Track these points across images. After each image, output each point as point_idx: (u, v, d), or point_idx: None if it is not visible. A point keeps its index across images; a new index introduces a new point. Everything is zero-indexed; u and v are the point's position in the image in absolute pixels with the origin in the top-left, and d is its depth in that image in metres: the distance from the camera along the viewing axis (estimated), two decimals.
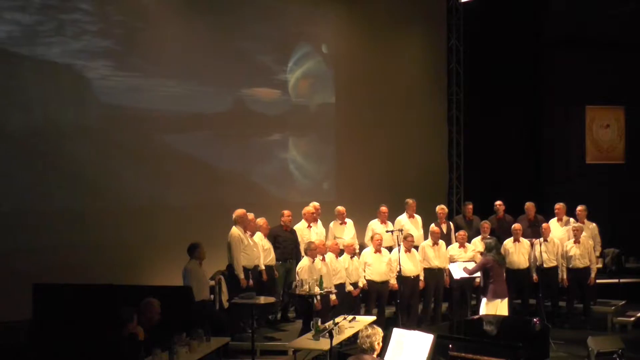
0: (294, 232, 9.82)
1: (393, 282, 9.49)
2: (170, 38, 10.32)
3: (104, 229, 9.58)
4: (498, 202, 10.90)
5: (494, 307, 8.59)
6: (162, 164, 10.21)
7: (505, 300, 8.70)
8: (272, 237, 9.52)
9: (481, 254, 9.34)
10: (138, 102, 10.04)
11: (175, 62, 10.36)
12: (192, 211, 10.25)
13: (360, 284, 9.33)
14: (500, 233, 10.35)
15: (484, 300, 8.75)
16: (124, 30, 10.00)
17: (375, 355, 5.05)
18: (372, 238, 9.66)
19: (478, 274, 9.19)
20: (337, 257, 9.19)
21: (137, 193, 9.98)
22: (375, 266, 9.41)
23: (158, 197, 10.16)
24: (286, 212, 9.74)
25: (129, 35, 10.03)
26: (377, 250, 9.46)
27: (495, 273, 8.70)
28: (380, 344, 5.11)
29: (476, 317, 8.56)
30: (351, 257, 9.32)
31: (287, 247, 9.62)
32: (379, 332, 5.09)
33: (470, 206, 10.97)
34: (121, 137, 9.86)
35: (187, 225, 10.06)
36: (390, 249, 9.98)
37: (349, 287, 9.19)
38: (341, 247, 9.53)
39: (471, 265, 9.47)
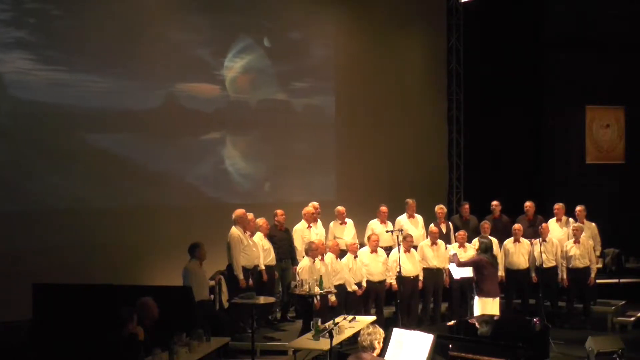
0: (288, 232, 9.81)
1: (390, 281, 9.50)
2: (95, 28, 9.57)
3: (104, 229, 9.57)
4: (494, 202, 10.89)
5: (485, 305, 8.59)
6: (86, 164, 9.54)
7: (497, 299, 8.71)
8: (268, 237, 9.50)
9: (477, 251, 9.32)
10: (60, 99, 9.30)
11: (100, 55, 9.60)
12: (116, 213, 9.69)
13: (363, 284, 9.33)
14: (497, 233, 10.34)
15: (475, 298, 8.77)
16: (40, 20, 9.21)
17: (375, 355, 5.05)
18: (368, 238, 9.65)
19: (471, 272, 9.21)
20: (337, 257, 9.19)
21: (57, 194, 9.31)
22: (372, 266, 9.41)
23: (80, 200, 9.46)
24: (279, 211, 9.73)
25: (45, 24, 9.25)
26: (374, 251, 9.46)
27: (489, 273, 8.71)
28: (381, 343, 5.11)
29: (476, 317, 8.56)
30: (354, 257, 9.32)
31: (282, 246, 9.62)
32: (379, 331, 5.10)
33: (467, 206, 10.97)
34: (40, 135, 9.19)
35: (188, 225, 10.06)
36: (390, 249, 9.99)
37: (354, 287, 9.19)
38: (342, 247, 9.53)
39: (463, 259, 9.51)
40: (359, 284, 9.25)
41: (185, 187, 10.44)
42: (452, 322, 8.13)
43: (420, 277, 9.72)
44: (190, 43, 10.52)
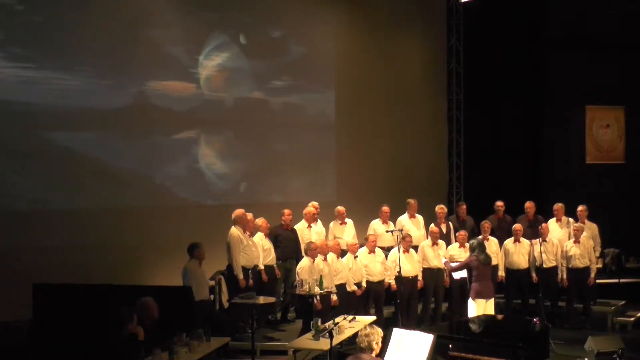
0: (294, 232, 9.80)
1: (389, 281, 9.49)
2: (62, 23, 9.24)
3: (104, 229, 9.57)
4: (499, 203, 10.88)
5: (478, 307, 8.57)
6: (49, 163, 9.20)
7: (492, 300, 8.69)
8: (272, 236, 9.51)
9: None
10: (26, 97, 9.01)
11: (68, 52, 9.30)
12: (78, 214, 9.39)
13: (363, 284, 9.33)
14: (500, 233, 10.36)
15: (469, 300, 8.76)
16: (4, 15, 8.93)
17: (373, 355, 5.05)
18: (366, 238, 9.65)
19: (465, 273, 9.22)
20: (338, 257, 9.19)
21: (18, 195, 9.04)
22: (370, 266, 9.40)
23: (43, 200, 9.16)
24: (286, 211, 9.72)
25: (9, 20, 8.98)
26: (372, 251, 9.45)
27: (479, 273, 8.69)
28: (379, 344, 5.11)
29: (475, 317, 8.56)
30: (354, 257, 9.32)
31: (287, 246, 9.61)
32: (378, 332, 5.10)
33: (464, 206, 10.97)
34: (3, 134, 8.90)
35: (188, 225, 10.06)
36: (390, 249, 9.99)
37: (353, 287, 9.18)
38: (343, 247, 9.53)
39: (455, 264, 9.53)
40: (358, 284, 9.25)
41: (155, 187, 10.11)
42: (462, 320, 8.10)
43: (420, 277, 9.71)
44: (163, 40, 10.18)
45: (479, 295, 8.62)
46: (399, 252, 9.43)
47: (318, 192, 11.51)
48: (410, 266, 9.61)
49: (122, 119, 9.80)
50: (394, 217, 10.55)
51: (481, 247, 8.89)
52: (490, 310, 8.63)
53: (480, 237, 9.54)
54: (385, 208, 10.35)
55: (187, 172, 10.47)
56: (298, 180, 11.55)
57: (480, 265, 8.70)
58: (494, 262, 9.53)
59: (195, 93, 10.51)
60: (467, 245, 9.36)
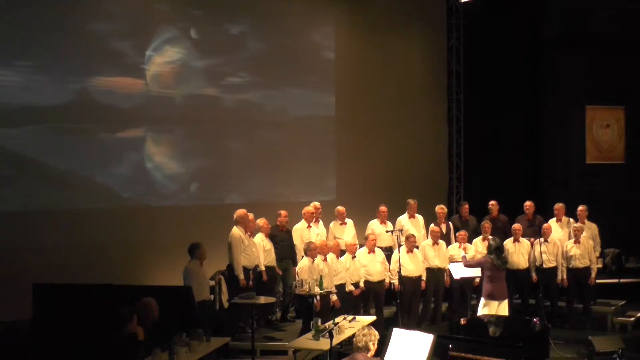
0: (289, 233, 9.81)
1: (388, 281, 9.49)
2: (2, 18, 8.85)
3: (104, 229, 9.57)
4: (492, 202, 10.87)
5: (490, 308, 8.56)
6: None
7: (505, 302, 8.62)
8: (269, 237, 9.50)
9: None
10: None
11: (5, 46, 8.92)
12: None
13: (361, 284, 9.32)
14: (494, 232, 10.32)
15: (482, 300, 8.75)
16: None
17: (369, 355, 5.06)
18: (366, 238, 9.65)
19: (479, 272, 9.17)
20: (338, 257, 9.19)
21: None
22: (370, 266, 9.39)
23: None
24: (283, 212, 9.71)
25: None
26: (371, 251, 9.45)
27: (492, 274, 8.65)
28: (376, 345, 5.12)
29: (475, 317, 8.56)
30: (352, 257, 9.31)
31: (283, 247, 9.61)
32: (374, 333, 5.12)
33: (467, 206, 10.96)
34: None
35: (188, 225, 10.06)
36: (389, 249, 9.99)
37: (350, 287, 9.19)
38: (343, 247, 9.53)
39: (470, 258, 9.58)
40: (356, 284, 9.25)
41: (97, 187, 9.71)
42: (464, 320, 8.09)
43: (423, 277, 9.70)
44: (109, 33, 9.71)
45: (490, 296, 8.57)
46: (399, 252, 9.44)
47: (318, 192, 11.53)
48: (414, 266, 9.60)
49: (64, 116, 9.34)
50: (394, 217, 10.55)
51: (498, 250, 8.72)
52: (503, 312, 8.54)
53: (498, 240, 9.07)
54: (383, 208, 10.34)
55: (132, 171, 9.99)
56: (257, 180, 11.16)
57: (492, 267, 8.66)
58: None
59: (141, 89, 10.01)
60: (487, 244, 9.27)
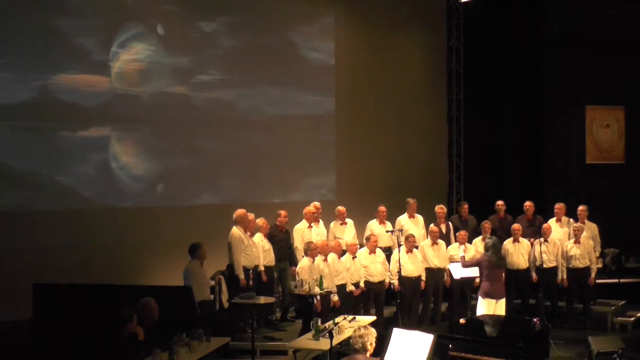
0: (288, 233, 9.81)
1: (389, 281, 9.49)
2: None
3: (104, 229, 9.57)
4: (500, 202, 10.88)
5: (488, 306, 8.57)
6: None
7: (502, 301, 8.66)
8: (268, 237, 9.49)
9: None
10: None
11: None
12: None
13: (361, 284, 9.32)
14: (502, 233, 10.35)
15: (479, 298, 8.76)
16: None
17: (368, 355, 5.05)
18: (367, 239, 9.65)
19: (478, 272, 9.18)
20: (339, 257, 9.18)
21: None
22: (371, 267, 9.39)
23: None
24: (282, 212, 9.71)
25: None
26: (372, 251, 9.44)
27: (490, 273, 8.68)
28: (373, 344, 5.11)
29: (475, 317, 8.56)
30: (353, 258, 9.31)
31: (282, 247, 9.61)
32: (372, 332, 5.11)
33: (466, 206, 10.96)
34: None
35: (189, 225, 10.06)
36: (389, 249, 9.98)
37: (351, 287, 9.18)
38: (343, 247, 9.52)
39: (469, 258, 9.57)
40: (356, 285, 9.25)
41: (59, 187, 9.44)
42: (463, 320, 8.09)
43: (423, 277, 9.70)
44: (72, 29, 9.40)
45: (488, 295, 8.60)
46: (399, 252, 9.43)
47: (317, 192, 11.53)
48: (414, 266, 9.60)
49: (26, 114, 9.11)
50: (393, 217, 10.54)
51: (495, 247, 8.82)
52: (500, 311, 8.58)
53: (494, 237, 9.25)
54: (382, 208, 10.34)
55: (95, 171, 9.71)
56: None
57: (490, 265, 8.68)
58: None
59: (105, 87, 9.69)
60: (484, 243, 9.32)
